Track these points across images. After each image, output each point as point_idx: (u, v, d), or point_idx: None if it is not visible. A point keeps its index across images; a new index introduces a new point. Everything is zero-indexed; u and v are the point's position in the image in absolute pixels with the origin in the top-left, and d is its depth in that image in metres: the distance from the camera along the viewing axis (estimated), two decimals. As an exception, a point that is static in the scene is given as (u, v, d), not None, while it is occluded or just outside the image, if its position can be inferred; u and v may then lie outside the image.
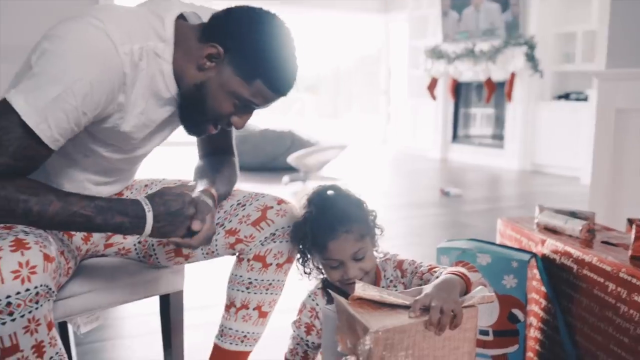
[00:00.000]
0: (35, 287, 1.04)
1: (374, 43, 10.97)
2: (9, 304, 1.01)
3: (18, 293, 1.02)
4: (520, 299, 1.75)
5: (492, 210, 4.82)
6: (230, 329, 1.48)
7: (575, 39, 6.79)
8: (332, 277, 1.32)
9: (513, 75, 7.11)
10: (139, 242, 1.48)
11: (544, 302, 1.78)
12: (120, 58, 1.14)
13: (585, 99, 6.56)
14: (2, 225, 1.11)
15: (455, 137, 8.46)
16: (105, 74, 1.13)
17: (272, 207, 1.43)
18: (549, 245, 1.76)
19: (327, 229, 1.26)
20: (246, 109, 1.29)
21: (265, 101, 1.27)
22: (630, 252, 1.56)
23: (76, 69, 1.09)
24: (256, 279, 1.44)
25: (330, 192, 1.33)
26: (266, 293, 1.46)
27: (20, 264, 1.02)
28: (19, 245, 1.04)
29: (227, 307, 1.50)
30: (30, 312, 1.04)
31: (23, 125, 1.09)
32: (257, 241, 1.42)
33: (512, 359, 1.76)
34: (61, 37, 1.11)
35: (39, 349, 1.08)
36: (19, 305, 1.03)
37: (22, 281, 1.02)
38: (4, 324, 1.02)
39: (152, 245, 1.47)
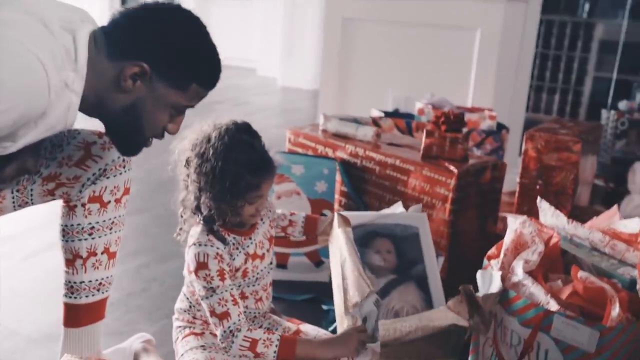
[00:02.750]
0: None
1: None
2: None
3: None
4: (330, 200, 1.98)
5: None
6: (82, 282, 1.39)
7: None
8: (247, 211, 1.34)
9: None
10: None
11: (344, 200, 2.05)
12: (50, 100, 1.01)
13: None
14: None
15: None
16: (29, 111, 1.00)
17: (94, 143, 1.34)
18: (348, 150, 2.00)
19: (267, 167, 1.29)
20: (181, 113, 1.23)
21: (200, 99, 1.23)
22: (421, 153, 1.90)
23: (6, 102, 0.95)
24: (97, 222, 1.37)
25: (249, 128, 1.32)
26: (110, 233, 1.40)
27: None
28: None
29: (70, 262, 1.40)
30: None
31: None
32: (85, 180, 1.33)
33: (322, 252, 2.02)
34: None
35: None
36: None
37: None
38: None
39: None
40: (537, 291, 1.28)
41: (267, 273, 1.52)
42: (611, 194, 2.76)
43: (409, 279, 1.44)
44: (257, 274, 1.47)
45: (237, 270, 1.40)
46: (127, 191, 1.40)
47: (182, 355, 1.45)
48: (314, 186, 1.96)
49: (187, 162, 1.34)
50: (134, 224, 2.46)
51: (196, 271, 1.32)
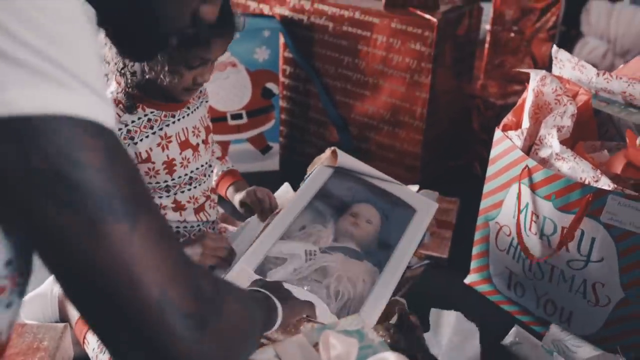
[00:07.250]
0: None
1: None
2: None
3: None
4: (274, 70, 1.59)
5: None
6: None
7: None
8: (182, 82, 0.98)
9: None
10: None
11: (289, 69, 1.66)
12: None
13: None
14: None
15: None
16: None
17: None
18: (290, 4, 1.58)
19: (225, 21, 0.91)
20: None
21: None
22: (383, 0, 1.51)
23: None
24: None
25: None
26: None
27: None
28: None
29: None
30: None
31: None
32: None
33: (268, 136, 1.66)
34: None
35: None
36: None
37: None
38: None
39: None
40: (581, 166, 1.00)
41: (207, 175, 1.16)
42: (563, 36, 2.50)
43: (369, 259, 1.09)
44: (192, 172, 1.11)
45: (145, 160, 1.04)
46: None
47: None
48: (253, 54, 1.55)
49: None
50: None
51: None
